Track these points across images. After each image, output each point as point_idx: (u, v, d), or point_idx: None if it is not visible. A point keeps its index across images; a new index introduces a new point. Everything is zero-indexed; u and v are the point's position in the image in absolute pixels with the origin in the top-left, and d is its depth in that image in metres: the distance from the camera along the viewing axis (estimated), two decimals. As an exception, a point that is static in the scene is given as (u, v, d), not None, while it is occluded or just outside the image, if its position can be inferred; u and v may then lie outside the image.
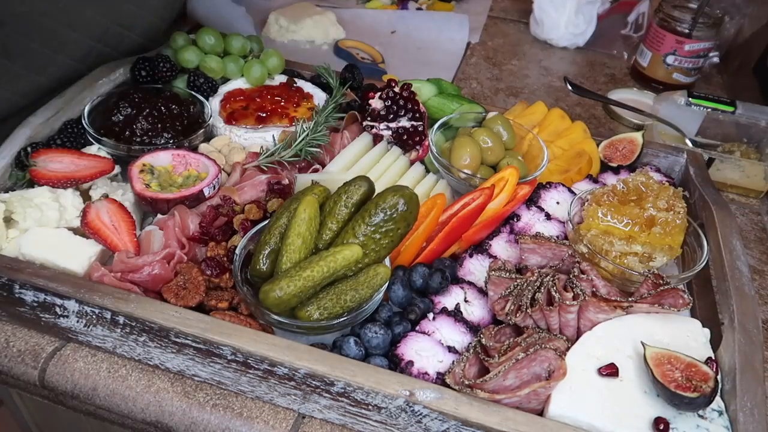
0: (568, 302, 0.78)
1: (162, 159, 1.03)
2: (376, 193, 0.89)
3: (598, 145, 1.21)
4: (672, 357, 0.76)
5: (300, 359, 0.74)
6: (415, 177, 1.11)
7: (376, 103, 1.14)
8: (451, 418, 0.71)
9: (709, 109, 1.38)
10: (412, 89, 1.15)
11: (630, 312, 0.82)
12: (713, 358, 0.80)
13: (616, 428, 0.72)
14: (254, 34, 1.40)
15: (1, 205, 0.92)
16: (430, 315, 0.85)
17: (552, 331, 0.82)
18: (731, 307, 0.87)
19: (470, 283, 0.91)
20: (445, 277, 0.88)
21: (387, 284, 0.85)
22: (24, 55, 1.06)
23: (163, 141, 1.08)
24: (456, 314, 0.86)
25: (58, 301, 0.81)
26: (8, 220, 0.93)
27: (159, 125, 1.09)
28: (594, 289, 0.83)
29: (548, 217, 1.02)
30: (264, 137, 1.16)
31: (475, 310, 0.88)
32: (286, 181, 1.05)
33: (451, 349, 0.82)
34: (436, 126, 1.14)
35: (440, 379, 0.77)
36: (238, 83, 1.28)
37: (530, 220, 1.02)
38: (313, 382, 0.75)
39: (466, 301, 0.89)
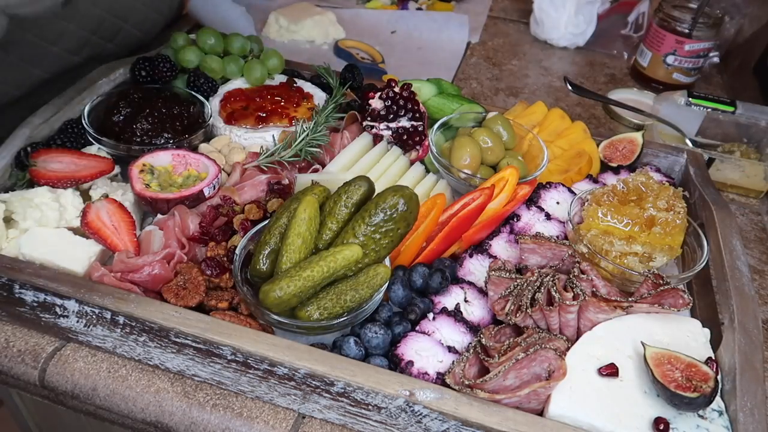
0: (568, 302, 0.78)
1: (162, 159, 1.03)
2: (376, 193, 0.89)
3: (598, 145, 1.21)
4: (672, 357, 0.76)
5: (300, 359, 0.74)
6: (415, 177, 1.11)
7: (376, 103, 1.14)
8: (451, 418, 0.71)
9: (709, 109, 1.38)
10: (412, 89, 1.15)
11: (630, 312, 0.82)
12: (713, 358, 0.80)
13: (616, 428, 0.72)
14: (254, 34, 1.40)
15: (1, 205, 0.92)
16: (430, 315, 0.85)
17: (552, 331, 0.82)
18: (731, 307, 0.87)
19: (470, 283, 0.91)
20: (445, 277, 0.88)
21: (387, 284, 0.85)
22: (19, 46, 1.06)
23: (163, 141, 1.08)
24: (456, 314, 0.86)
25: (58, 301, 0.81)
26: (8, 220, 0.93)
27: (159, 125, 1.09)
28: (594, 289, 0.83)
29: (548, 217, 1.02)
30: (264, 137, 1.16)
31: (475, 310, 0.88)
32: (286, 181, 1.05)
33: (451, 349, 0.82)
34: (436, 126, 1.14)
35: (440, 379, 0.77)
36: (238, 83, 1.28)
37: (530, 220, 1.02)
38: (313, 382, 0.75)
39: (466, 301, 0.89)
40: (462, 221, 0.95)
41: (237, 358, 0.76)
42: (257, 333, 0.76)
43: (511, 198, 1.01)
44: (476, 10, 2.03)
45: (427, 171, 1.15)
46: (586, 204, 0.99)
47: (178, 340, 0.78)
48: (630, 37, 1.92)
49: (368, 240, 0.84)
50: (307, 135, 1.08)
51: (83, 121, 1.08)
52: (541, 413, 0.75)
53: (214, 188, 1.01)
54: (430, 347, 0.81)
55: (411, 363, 0.78)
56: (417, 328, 0.84)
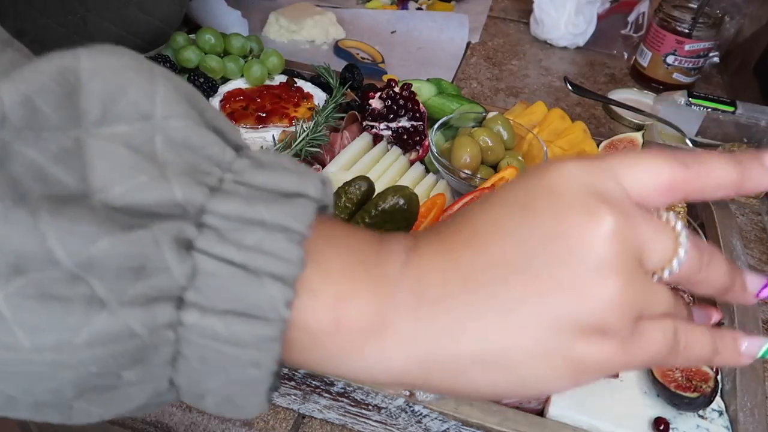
0: (568, 302, 0.78)
1: (162, 159, 1.03)
2: (376, 193, 0.89)
3: (598, 145, 1.21)
4: (672, 357, 0.76)
5: (300, 359, 0.74)
6: (415, 177, 1.11)
7: (376, 103, 1.14)
8: (452, 418, 0.71)
9: (709, 109, 1.38)
10: (412, 89, 1.15)
11: (630, 312, 0.82)
12: (713, 358, 0.80)
13: (616, 428, 0.72)
14: (254, 34, 1.40)
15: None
16: (430, 315, 0.85)
17: (552, 331, 0.82)
18: (731, 307, 0.87)
19: (470, 283, 0.90)
20: (445, 277, 0.88)
21: (387, 284, 0.85)
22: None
23: (163, 141, 1.08)
24: (456, 314, 0.86)
25: (58, 301, 0.81)
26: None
27: (159, 125, 1.09)
28: (594, 289, 0.83)
29: (548, 217, 1.02)
30: (264, 137, 1.16)
31: (475, 310, 0.88)
32: (286, 181, 1.05)
33: (451, 349, 0.81)
34: (436, 126, 1.14)
35: (440, 379, 0.77)
36: (238, 83, 1.28)
37: (530, 220, 1.01)
38: (313, 382, 0.75)
39: (466, 301, 0.89)
40: (462, 221, 0.95)
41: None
42: (257, 333, 0.76)
43: (511, 198, 1.01)
44: (476, 10, 2.03)
45: (427, 171, 1.15)
46: (586, 204, 0.99)
47: (178, 340, 0.78)
48: (630, 37, 1.92)
49: (368, 240, 0.84)
50: (307, 135, 1.08)
51: (83, 121, 1.07)
52: (541, 413, 0.75)
53: (214, 188, 1.01)
54: (430, 347, 0.81)
55: (411, 363, 0.78)
56: (417, 328, 0.84)
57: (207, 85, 1.23)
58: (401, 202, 0.84)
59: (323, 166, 1.11)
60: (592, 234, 0.33)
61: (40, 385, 0.30)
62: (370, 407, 0.75)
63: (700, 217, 1.07)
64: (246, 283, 0.30)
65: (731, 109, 1.37)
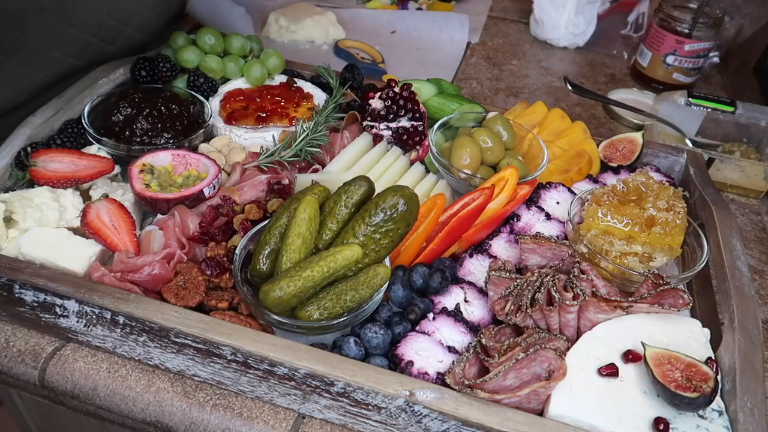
0: (568, 302, 0.78)
1: (162, 159, 1.03)
2: (376, 193, 0.89)
3: (598, 145, 1.21)
4: (672, 357, 0.76)
5: (300, 359, 0.74)
6: (415, 177, 1.11)
7: (376, 103, 1.14)
8: (451, 418, 0.71)
9: (709, 109, 1.38)
10: (412, 89, 1.15)
11: (630, 312, 0.82)
12: (713, 358, 0.80)
13: (616, 428, 0.72)
14: (254, 34, 1.40)
15: (1, 205, 0.92)
16: (430, 315, 0.85)
17: (552, 331, 0.82)
18: (731, 307, 0.87)
19: (470, 283, 0.91)
20: (445, 277, 0.88)
21: (387, 284, 0.85)
22: (20, 51, 1.06)
23: (163, 141, 1.08)
24: (456, 314, 0.86)
25: (58, 301, 0.81)
26: (8, 220, 0.93)
27: (159, 125, 1.09)
28: (594, 289, 0.83)
29: (548, 217, 1.02)
30: (264, 137, 1.16)
31: (475, 310, 0.88)
32: (286, 181, 1.05)
33: (451, 349, 0.81)
34: (436, 126, 1.14)
35: (440, 379, 0.77)
36: (238, 83, 1.28)
37: (530, 220, 1.02)
38: (313, 382, 0.75)
39: (466, 301, 0.89)
40: (462, 221, 0.95)
41: (237, 358, 0.76)
42: (257, 333, 0.76)
43: (511, 198, 1.01)
44: (476, 10, 2.03)
45: (427, 171, 1.15)
46: (586, 204, 0.99)
47: (178, 340, 0.78)
48: (630, 37, 1.92)
49: (368, 240, 0.84)
50: (307, 135, 1.08)
51: (83, 121, 1.08)
52: (541, 413, 0.75)
53: (214, 188, 1.01)
54: (430, 347, 0.81)
55: (411, 363, 0.78)
56: (417, 328, 0.84)
57: (207, 85, 1.23)
58: (401, 202, 0.84)
59: (323, 166, 1.11)
60: None
61: None
62: (370, 407, 0.75)
63: (700, 217, 1.07)
64: None
65: (731, 109, 1.37)
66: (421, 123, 1.15)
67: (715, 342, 0.84)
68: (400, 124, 1.14)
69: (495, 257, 0.96)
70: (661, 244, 0.92)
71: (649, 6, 1.87)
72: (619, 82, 1.74)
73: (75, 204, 0.95)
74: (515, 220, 1.00)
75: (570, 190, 1.08)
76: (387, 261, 0.89)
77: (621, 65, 1.83)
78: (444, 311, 0.86)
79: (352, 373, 0.73)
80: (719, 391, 0.77)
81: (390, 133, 1.14)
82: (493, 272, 0.85)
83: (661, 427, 0.72)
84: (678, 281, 0.92)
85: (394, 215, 0.84)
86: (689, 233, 0.98)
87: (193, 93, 1.20)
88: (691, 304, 0.82)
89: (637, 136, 1.20)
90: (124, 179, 1.06)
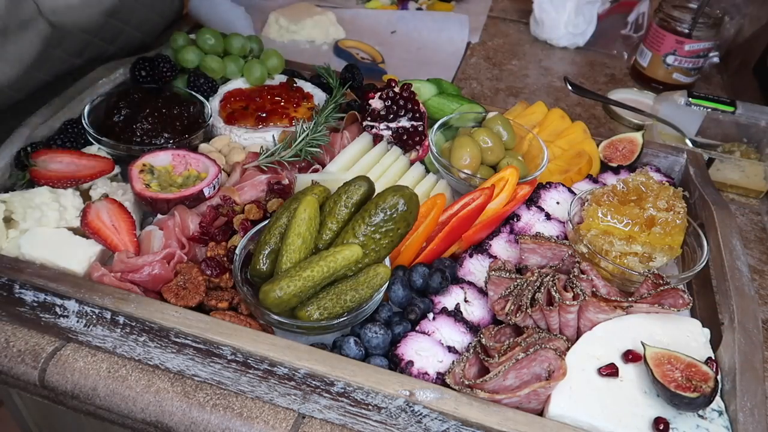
0: (568, 302, 0.78)
1: (162, 159, 1.03)
2: (376, 193, 0.89)
3: (598, 145, 1.21)
4: (672, 357, 0.76)
5: (300, 359, 0.74)
6: (415, 177, 1.11)
7: (376, 103, 1.14)
8: (451, 418, 0.71)
9: (709, 109, 1.38)
10: (412, 89, 1.15)
11: (630, 312, 0.82)
12: (713, 358, 0.80)
13: (616, 428, 0.72)
14: (254, 34, 1.40)
15: (1, 205, 0.92)
16: (430, 315, 0.85)
17: (552, 331, 0.82)
18: (731, 307, 0.87)
19: (470, 283, 0.91)
20: (445, 277, 0.88)
21: (387, 284, 0.85)
22: None
23: (163, 141, 1.08)
24: (456, 314, 0.86)
25: (58, 301, 0.81)
26: (8, 220, 0.93)
27: (159, 125, 1.09)
28: (594, 289, 0.83)
29: (548, 217, 1.02)
30: (264, 137, 1.16)
31: (475, 310, 0.88)
32: (286, 181, 1.05)
33: (451, 349, 0.81)
34: (436, 126, 1.14)
35: (440, 379, 0.77)
36: (238, 83, 1.28)
37: (530, 220, 1.02)
38: (313, 382, 0.75)
39: (466, 301, 0.89)
40: (462, 221, 0.95)
41: (237, 358, 0.76)
42: (257, 333, 0.76)
43: (511, 198, 1.01)
44: (476, 10, 2.03)
45: (427, 171, 1.15)
46: (586, 204, 0.99)
47: (178, 340, 0.78)
48: (630, 37, 1.92)
49: (368, 240, 0.84)
50: (307, 135, 1.08)
51: (83, 121, 1.08)
52: (541, 413, 0.75)
53: (214, 188, 1.01)
54: (430, 347, 0.81)
55: (411, 363, 0.78)
56: (417, 328, 0.84)
57: (207, 85, 1.23)
58: (401, 202, 0.84)
59: (323, 166, 1.11)
60: None
61: None
62: (370, 407, 0.75)
63: (700, 217, 1.07)
64: None
65: (731, 109, 1.37)
66: (421, 123, 1.15)
67: (715, 342, 0.84)
68: (400, 124, 1.14)
69: (495, 257, 0.96)
70: (661, 244, 0.92)
71: (649, 6, 1.87)
72: (619, 82, 1.74)
73: (75, 204, 0.95)
74: (515, 220, 1.00)
75: (570, 190, 1.08)
76: (387, 261, 0.89)
77: (621, 65, 1.83)
78: (444, 311, 0.86)
79: (352, 373, 0.73)
80: (719, 391, 0.77)
81: (390, 133, 1.14)
82: (493, 272, 0.85)
83: (661, 427, 0.72)
84: (678, 281, 0.92)
85: (394, 215, 0.84)
86: (689, 233, 0.98)
87: (193, 93, 1.20)
88: (691, 304, 0.82)
89: (637, 136, 1.20)
90: (124, 179, 1.06)
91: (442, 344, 0.82)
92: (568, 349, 0.79)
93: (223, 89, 1.26)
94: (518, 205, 1.02)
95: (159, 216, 0.98)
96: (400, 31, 1.86)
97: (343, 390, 0.74)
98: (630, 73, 1.78)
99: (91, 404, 0.85)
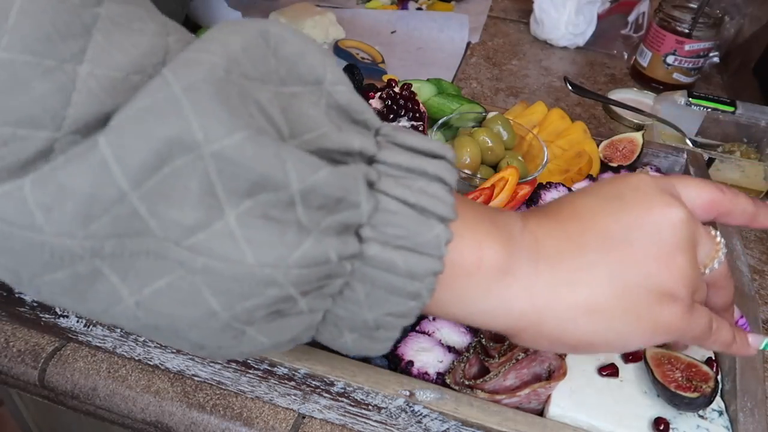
0: (568, 302, 0.78)
1: (162, 159, 1.03)
2: (376, 193, 0.89)
3: (598, 145, 1.21)
4: (672, 357, 0.76)
5: (300, 359, 0.74)
6: (415, 177, 1.11)
7: (376, 103, 1.14)
8: (451, 418, 0.71)
9: (709, 109, 1.38)
10: (412, 89, 1.15)
11: (630, 312, 0.82)
12: (713, 358, 0.80)
13: (616, 428, 0.72)
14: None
15: (1, 205, 0.91)
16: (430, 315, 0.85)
17: (552, 331, 0.82)
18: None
19: (470, 283, 0.90)
20: (445, 277, 0.88)
21: (387, 284, 0.85)
22: None
23: (163, 141, 1.08)
24: (456, 314, 0.86)
25: (58, 301, 0.81)
26: (8, 220, 0.93)
27: (159, 125, 1.09)
28: (594, 289, 0.83)
29: (548, 217, 1.02)
30: (264, 137, 1.15)
31: (475, 310, 0.88)
32: (286, 181, 1.05)
33: (451, 349, 0.81)
34: (436, 126, 1.14)
35: (440, 379, 0.77)
36: (238, 83, 1.28)
37: (530, 220, 1.01)
38: (313, 382, 0.75)
39: (466, 301, 0.89)
40: (462, 221, 0.95)
41: (237, 358, 0.76)
42: (257, 333, 0.76)
43: (511, 198, 1.01)
44: (476, 10, 2.03)
45: (427, 171, 1.15)
46: (586, 204, 0.99)
47: (178, 340, 0.78)
48: (630, 37, 1.92)
49: (368, 240, 0.84)
50: (307, 135, 1.08)
51: (83, 121, 1.07)
52: (541, 413, 0.75)
53: (214, 188, 1.01)
54: (430, 347, 0.81)
55: (411, 363, 0.78)
56: (417, 328, 0.84)
57: (207, 85, 1.23)
58: (401, 202, 0.84)
59: (323, 166, 1.11)
60: (673, 218, 0.43)
61: (245, 301, 0.33)
62: (370, 407, 0.75)
63: (700, 217, 1.06)
64: (419, 223, 0.35)
65: (731, 109, 1.37)
66: (421, 123, 1.15)
67: (715, 342, 0.84)
68: (400, 124, 1.14)
69: (495, 257, 0.95)
70: (661, 244, 0.92)
71: (649, 6, 1.87)
72: (619, 82, 1.74)
73: (75, 204, 0.95)
74: (515, 220, 1.00)
75: (570, 190, 1.08)
76: (387, 261, 0.88)
77: (621, 65, 1.83)
78: (444, 311, 0.86)
79: (352, 373, 0.73)
80: (719, 391, 0.77)
81: (390, 133, 1.14)
82: (493, 272, 0.84)
83: (661, 427, 0.72)
84: (678, 281, 0.92)
85: (394, 215, 0.84)
86: (689, 233, 0.98)
87: (193, 93, 1.20)
88: (691, 304, 0.82)
89: (637, 136, 1.20)
90: (124, 179, 1.05)
91: (442, 344, 0.82)
92: (568, 349, 0.79)
93: (223, 89, 1.25)
94: (518, 205, 1.02)
95: (159, 216, 0.98)
96: (400, 31, 1.86)
97: (343, 390, 0.74)
98: (630, 73, 1.79)
99: (91, 404, 0.85)
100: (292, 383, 0.77)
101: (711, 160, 1.31)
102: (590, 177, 1.13)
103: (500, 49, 1.85)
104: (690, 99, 1.38)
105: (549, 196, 1.07)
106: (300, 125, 0.33)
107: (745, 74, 1.72)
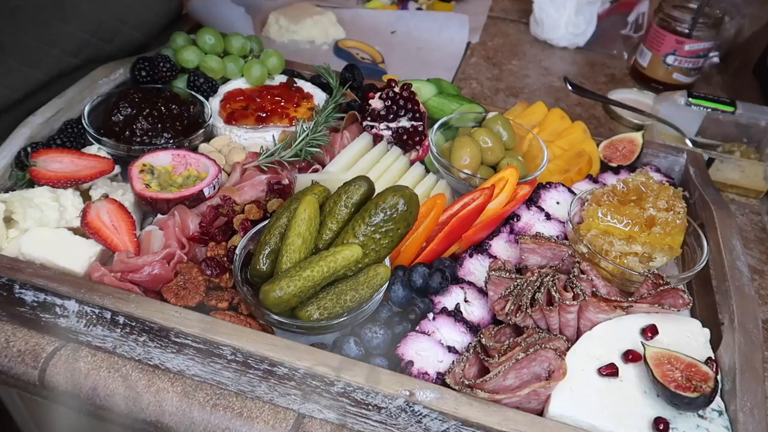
0: (568, 302, 0.78)
1: (162, 159, 1.03)
2: (376, 193, 0.89)
3: (598, 145, 1.21)
4: (672, 357, 0.76)
5: (300, 359, 0.74)
6: (415, 177, 1.11)
7: (376, 103, 1.14)
8: (451, 418, 0.71)
9: (709, 109, 1.38)
10: (412, 89, 1.15)
11: (630, 312, 0.82)
12: (713, 358, 0.80)
13: (616, 428, 0.72)
14: (254, 34, 1.40)
15: (1, 205, 0.92)
16: (430, 315, 0.85)
17: (552, 331, 0.82)
18: (731, 307, 0.87)
19: (470, 283, 0.91)
20: (445, 277, 0.88)
21: (387, 284, 0.85)
22: (18, 48, 1.06)
23: (163, 141, 1.08)
24: (456, 314, 0.86)
25: (58, 301, 0.81)
26: (8, 220, 0.93)
27: (159, 125, 1.09)
28: (594, 289, 0.83)
29: (548, 217, 1.02)
30: (264, 137, 1.16)
31: (475, 310, 0.88)
32: (286, 181, 1.05)
33: (451, 349, 0.82)
34: (436, 126, 1.14)
35: (440, 379, 0.77)
36: (238, 83, 1.28)
37: (530, 220, 1.02)
38: (313, 382, 0.75)
39: (466, 301, 0.89)
40: (462, 221, 0.95)
41: (237, 358, 0.76)
42: (257, 333, 0.76)
43: (511, 198, 1.01)
44: (476, 10, 2.03)
45: (427, 171, 1.15)
46: (586, 204, 0.99)
47: (178, 340, 0.78)
48: (630, 37, 1.92)
49: (368, 240, 0.84)
50: (307, 135, 1.08)
51: (83, 121, 1.08)
52: (541, 413, 0.75)
53: (214, 188, 1.01)
54: (430, 347, 0.81)
55: (411, 363, 0.78)
56: (417, 328, 0.84)
57: (207, 85, 1.23)
58: (401, 202, 0.84)
59: (323, 166, 1.11)
60: None
61: None
62: (370, 407, 0.75)
63: (700, 217, 1.07)
64: None
65: (731, 109, 1.37)
66: (421, 123, 1.15)
67: (715, 342, 0.84)
68: (400, 124, 1.14)
69: (495, 257, 0.96)
70: (661, 244, 0.92)
71: (649, 6, 1.87)
72: (619, 82, 1.74)
73: (75, 204, 0.95)
74: (515, 220, 1.00)
75: (570, 190, 1.08)
76: (387, 261, 0.89)
77: (621, 65, 1.83)
78: (444, 311, 0.86)
79: (352, 373, 0.73)
80: (719, 391, 0.77)
81: (390, 133, 1.14)
82: (493, 272, 0.85)
83: (661, 427, 0.72)
84: (678, 281, 0.92)
85: (394, 215, 0.84)
86: (689, 233, 0.98)
87: (193, 93, 1.20)
88: (691, 304, 0.82)
89: (637, 136, 1.20)
90: (124, 179, 1.06)
91: (442, 344, 0.82)
92: (568, 349, 0.79)
93: (223, 89, 1.26)
94: (518, 205, 1.02)
95: (159, 216, 0.98)
96: (400, 31, 1.86)
97: (343, 390, 0.74)
98: (630, 73, 1.78)
99: (91, 404, 0.85)
100: (292, 383, 0.77)
101: (711, 160, 1.31)
102: (590, 177, 1.14)
103: (500, 49, 1.85)
104: (690, 99, 1.38)
105: (549, 196, 1.07)
106: None
107: (745, 74, 1.72)
